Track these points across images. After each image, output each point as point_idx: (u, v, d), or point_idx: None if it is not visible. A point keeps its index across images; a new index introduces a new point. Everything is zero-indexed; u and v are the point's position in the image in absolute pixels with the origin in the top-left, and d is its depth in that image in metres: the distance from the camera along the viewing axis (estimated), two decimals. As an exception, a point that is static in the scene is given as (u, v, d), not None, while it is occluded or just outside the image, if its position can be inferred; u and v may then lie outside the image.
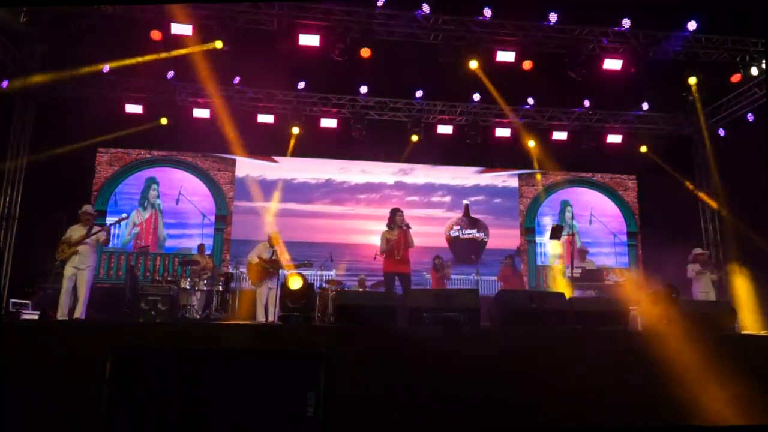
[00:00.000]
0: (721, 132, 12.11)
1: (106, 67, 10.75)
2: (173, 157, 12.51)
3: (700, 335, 5.48)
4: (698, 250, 9.78)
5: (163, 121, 11.43)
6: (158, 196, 12.28)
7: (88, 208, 8.01)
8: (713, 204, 12.29)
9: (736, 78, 10.56)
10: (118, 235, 11.91)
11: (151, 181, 12.33)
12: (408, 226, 8.02)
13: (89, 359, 3.39)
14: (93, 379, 3.15)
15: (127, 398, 3.07)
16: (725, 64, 10.52)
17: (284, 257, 8.93)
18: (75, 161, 11.40)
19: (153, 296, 8.84)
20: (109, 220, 11.50)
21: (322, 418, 3.01)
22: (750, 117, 11.31)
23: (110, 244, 11.76)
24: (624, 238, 13.25)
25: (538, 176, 13.43)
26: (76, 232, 7.74)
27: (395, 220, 8.09)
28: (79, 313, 7.50)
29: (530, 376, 4.76)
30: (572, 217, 13.37)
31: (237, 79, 11.53)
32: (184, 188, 12.32)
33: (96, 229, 7.92)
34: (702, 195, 12.57)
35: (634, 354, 5.05)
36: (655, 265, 11.96)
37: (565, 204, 13.45)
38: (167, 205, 12.31)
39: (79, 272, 7.60)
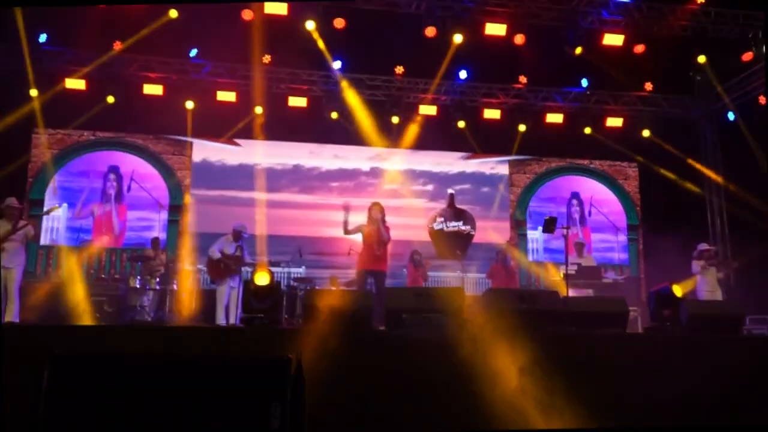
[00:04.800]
0: (731, 115, 12.27)
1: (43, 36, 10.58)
2: (121, 140, 12.32)
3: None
4: (704, 246, 9.93)
5: (110, 99, 11.30)
6: (119, 187, 12.14)
7: (11, 201, 8.02)
8: (728, 186, 12.30)
9: (747, 56, 10.72)
10: (57, 230, 11.72)
11: (109, 170, 12.18)
12: (382, 220, 8.11)
13: (24, 368, 3.34)
14: (28, 390, 3.11)
15: (67, 412, 3.04)
16: (736, 41, 10.66)
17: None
18: (6, 144, 11.16)
19: (98, 296, 8.76)
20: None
21: (288, 431, 3.01)
22: (762, 99, 11.46)
23: (51, 239, 11.62)
24: (624, 231, 13.39)
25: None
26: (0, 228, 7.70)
27: (370, 214, 8.22)
28: (11, 316, 7.48)
29: (521, 383, 4.81)
30: (581, 213, 13.47)
31: (194, 51, 11.40)
32: (135, 174, 12.16)
33: (23, 223, 7.99)
34: (711, 174, 12.65)
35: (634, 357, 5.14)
36: (657, 262, 12.14)
37: (573, 197, 13.55)
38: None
39: (7, 271, 7.62)
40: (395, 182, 13.00)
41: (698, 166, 12.87)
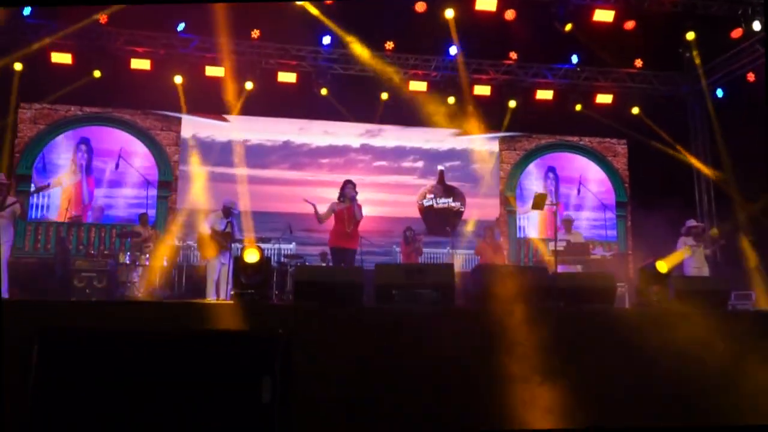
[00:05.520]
0: (720, 93, 12.27)
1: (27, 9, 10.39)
2: (108, 115, 12.19)
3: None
4: (692, 222, 10.00)
5: (96, 74, 11.16)
6: (89, 159, 12.01)
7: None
8: (706, 171, 12.48)
9: (737, 33, 10.70)
10: (47, 206, 11.64)
11: (80, 141, 12.04)
12: (354, 199, 8.15)
13: (13, 342, 3.32)
14: (17, 365, 3.10)
15: (56, 386, 3.03)
16: (725, 18, 10.64)
17: None
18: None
19: (87, 272, 8.75)
20: (34, 187, 11.22)
21: (278, 405, 3.01)
22: (751, 76, 11.46)
23: (41, 215, 11.55)
24: (612, 208, 13.45)
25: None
26: None
27: (344, 192, 8.20)
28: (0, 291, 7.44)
29: (513, 361, 4.83)
30: (556, 186, 13.51)
31: (182, 26, 11.24)
32: (123, 150, 12.05)
33: (11, 200, 7.89)
34: (695, 161, 12.77)
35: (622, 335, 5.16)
36: (646, 239, 12.22)
37: (549, 171, 13.59)
38: (105, 169, 12.03)
39: None
40: (385, 158, 12.95)
41: (686, 153, 12.85)
